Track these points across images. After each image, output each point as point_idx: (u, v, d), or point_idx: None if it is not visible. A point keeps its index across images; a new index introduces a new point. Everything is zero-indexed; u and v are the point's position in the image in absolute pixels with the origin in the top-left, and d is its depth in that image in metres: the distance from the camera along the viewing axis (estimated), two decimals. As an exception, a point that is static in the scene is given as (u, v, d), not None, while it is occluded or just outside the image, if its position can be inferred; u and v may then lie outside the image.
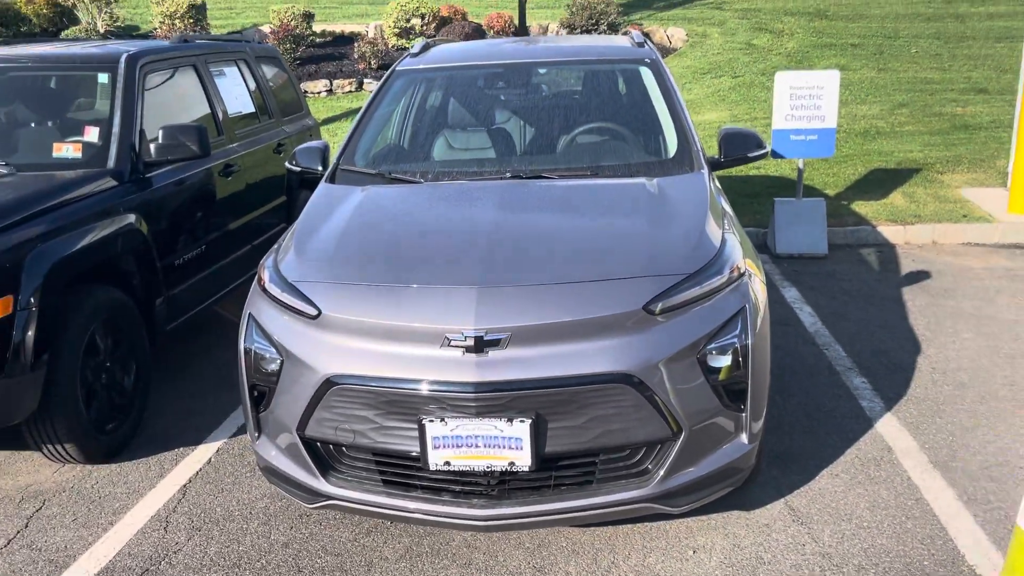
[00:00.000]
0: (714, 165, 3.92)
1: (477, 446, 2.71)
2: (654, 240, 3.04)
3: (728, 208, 3.63)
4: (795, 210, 6.94)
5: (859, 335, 5.06)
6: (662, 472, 2.83)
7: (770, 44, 13.60)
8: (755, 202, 7.83)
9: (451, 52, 4.67)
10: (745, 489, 3.33)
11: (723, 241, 3.11)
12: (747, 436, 2.95)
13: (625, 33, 5.01)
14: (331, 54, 14.14)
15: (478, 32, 14.19)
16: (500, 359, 2.69)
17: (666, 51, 14.14)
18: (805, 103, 6.86)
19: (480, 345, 2.68)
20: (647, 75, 4.24)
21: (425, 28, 14.15)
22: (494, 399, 2.66)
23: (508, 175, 3.66)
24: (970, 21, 13.92)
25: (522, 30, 14.62)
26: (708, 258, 2.98)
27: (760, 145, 3.96)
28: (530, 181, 3.60)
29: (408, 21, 14.14)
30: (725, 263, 2.99)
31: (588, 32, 14.38)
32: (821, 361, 4.70)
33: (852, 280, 6.14)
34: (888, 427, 3.92)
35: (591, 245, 3.03)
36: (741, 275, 3.03)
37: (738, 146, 3.94)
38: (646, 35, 14.61)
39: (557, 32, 14.98)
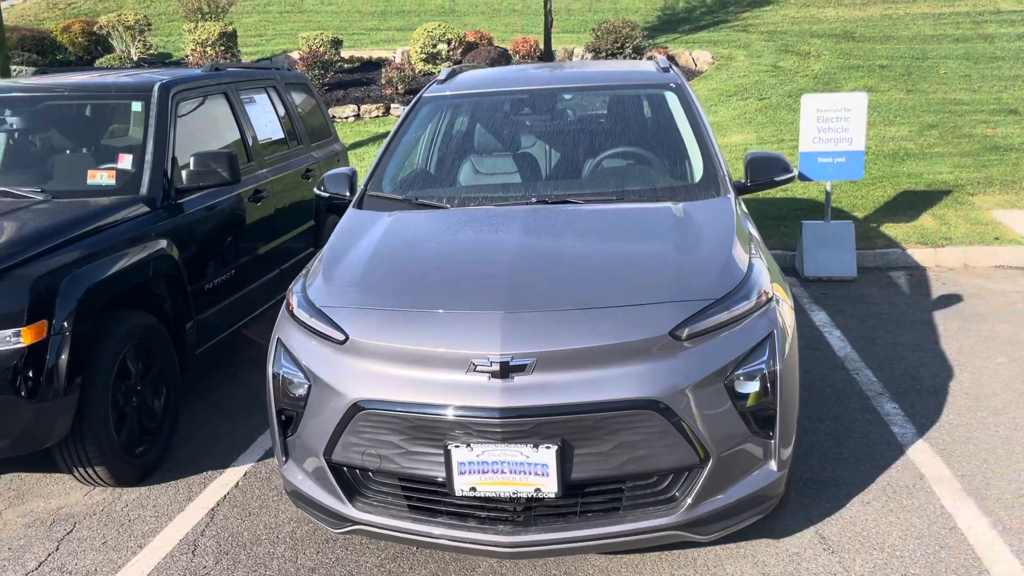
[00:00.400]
0: (740, 189, 3.91)
1: (503, 472, 2.70)
2: (680, 265, 3.04)
3: (755, 232, 3.61)
4: (823, 233, 6.89)
5: (890, 359, 4.99)
6: (690, 499, 2.80)
7: (796, 66, 13.57)
8: (783, 225, 7.78)
9: (477, 78, 4.72)
10: (774, 517, 3.29)
11: (750, 266, 3.10)
12: (776, 463, 2.92)
13: (650, 58, 5.03)
14: (359, 80, 14.34)
15: (504, 57, 14.31)
16: (526, 385, 2.69)
17: (692, 74, 14.17)
18: (832, 126, 6.83)
19: (506, 370, 2.68)
20: (672, 100, 4.25)
21: (451, 53, 14.31)
22: (520, 425, 2.66)
23: (534, 200, 3.68)
24: (999, 42, 13.80)
25: (547, 55, 14.73)
26: (735, 283, 2.97)
27: (787, 169, 3.95)
28: (556, 206, 3.61)
29: (435, 47, 14.31)
30: (752, 288, 2.98)
31: (613, 56, 14.46)
32: (851, 386, 4.64)
33: (882, 303, 6.07)
34: (920, 453, 3.86)
35: (617, 270, 3.03)
36: (769, 300, 3.01)
37: (764, 170, 3.93)
38: (672, 59, 14.60)
39: (583, 56, 15.07)
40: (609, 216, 3.50)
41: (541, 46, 14.75)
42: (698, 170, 3.86)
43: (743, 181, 3.95)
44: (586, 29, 15.94)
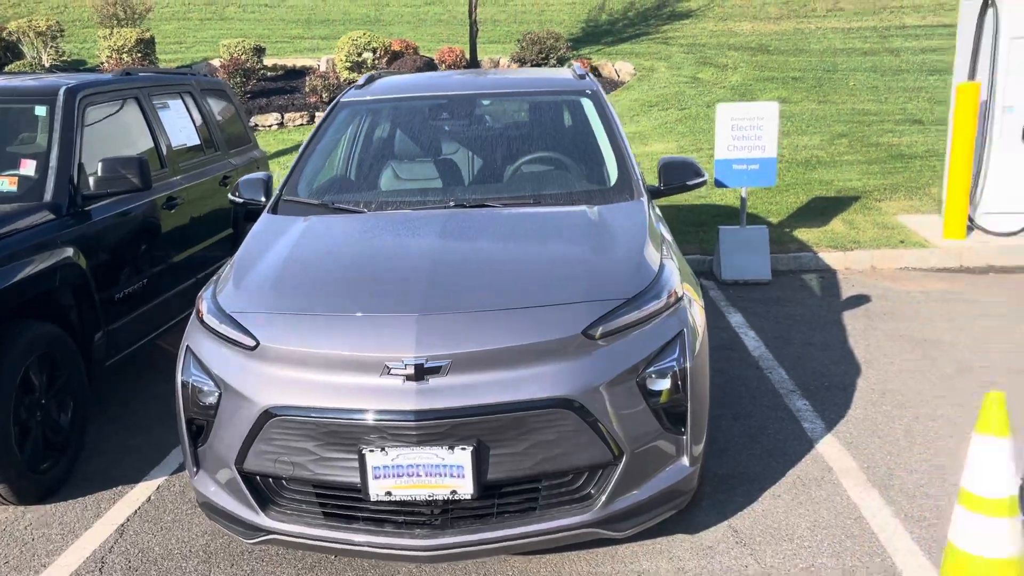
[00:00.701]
0: (654, 193, 4.00)
1: (419, 475, 2.70)
2: (593, 266, 3.09)
3: (668, 235, 3.70)
4: (739, 237, 7.09)
5: (801, 358, 5.16)
6: (604, 496, 2.84)
7: (715, 78, 13.95)
8: (701, 230, 7.98)
9: (396, 84, 4.71)
10: (689, 512, 3.37)
11: (661, 267, 3.17)
12: (688, 459, 2.99)
13: (568, 65, 5.11)
14: (282, 88, 14.15)
15: (430, 66, 14.31)
16: (441, 386, 2.69)
17: (615, 85, 14.42)
18: (746, 134, 7.04)
19: (421, 373, 2.68)
20: (588, 106, 4.32)
21: (377, 62, 14.24)
22: (435, 427, 2.66)
23: (452, 204, 3.69)
24: (904, 55, 14.47)
25: (474, 64, 14.79)
26: (646, 283, 3.03)
27: (698, 173, 4.06)
28: (473, 210, 3.63)
29: (360, 55, 14.23)
30: (663, 288, 3.04)
31: (538, 66, 14.61)
32: (765, 384, 4.78)
33: (795, 305, 6.27)
34: (829, 448, 4.00)
35: (532, 272, 3.06)
36: (679, 299, 3.08)
37: (677, 175, 4.03)
38: (595, 70, 14.82)
39: (508, 66, 15.19)
40: (526, 219, 3.54)
41: (467, 56, 14.81)
42: (613, 174, 3.93)
43: (657, 185, 4.05)
44: (512, 40, 16.09)
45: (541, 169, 4.07)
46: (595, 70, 14.94)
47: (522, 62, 14.65)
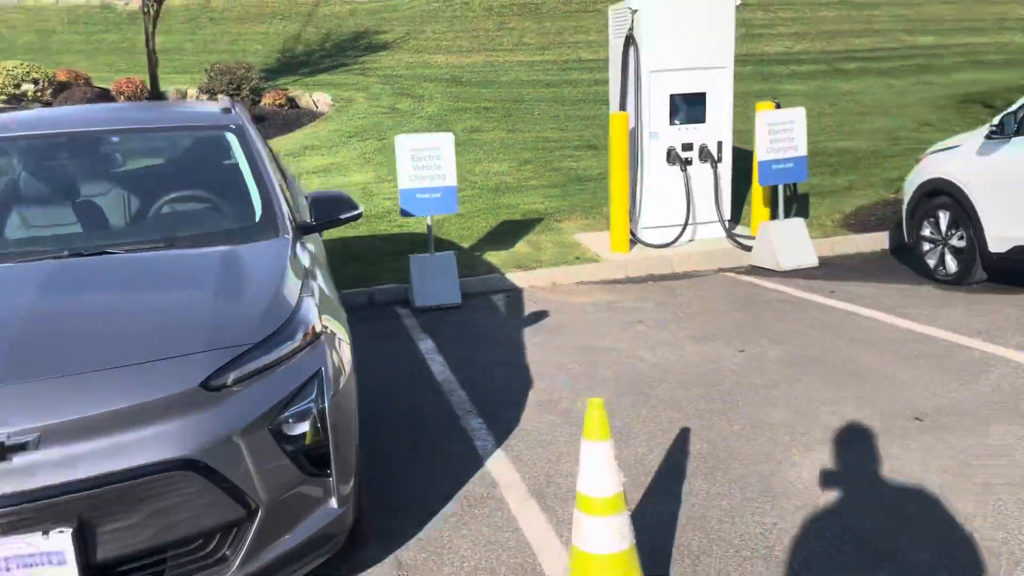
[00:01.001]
0: (306, 229, 3.91)
1: (8, 569, 2.35)
2: (217, 312, 2.92)
3: (319, 270, 3.62)
4: (429, 264, 7.25)
5: (482, 378, 5.34)
6: (241, 556, 2.67)
7: (412, 108, 14.26)
8: (397, 259, 8.05)
9: (9, 121, 4.18)
10: (356, 550, 3.29)
11: (299, 305, 3.07)
12: (337, 500, 2.91)
13: (213, 98, 4.88)
14: (-81, 125, 12.21)
15: (104, 97, 13.18)
16: (30, 464, 2.37)
17: (313, 116, 14.22)
18: (427, 164, 7.24)
19: (2, 451, 2.35)
20: (233, 141, 4.13)
21: (40, 94, 12.83)
22: (22, 512, 2.34)
23: (65, 254, 3.32)
24: (581, 87, 15.80)
25: (156, 96, 13.84)
26: (279, 324, 2.91)
27: (353, 207, 4.03)
28: (91, 259, 3.30)
29: (18, 87, 12.73)
30: (298, 328, 2.95)
31: (231, 97, 14.02)
32: (444, 407, 4.88)
33: (481, 326, 6.51)
34: (497, 463, 4.14)
35: (145, 324, 2.82)
36: (317, 337, 3.01)
37: (329, 210, 3.97)
38: (292, 99, 14.46)
39: (197, 97, 14.40)
40: (148, 266, 3.28)
41: (148, 86, 13.82)
42: (257, 212, 3.79)
43: (309, 221, 3.97)
44: (201, 69, 15.27)
45: (176, 210, 3.82)
46: (292, 101, 14.65)
47: (211, 93, 13.95)
